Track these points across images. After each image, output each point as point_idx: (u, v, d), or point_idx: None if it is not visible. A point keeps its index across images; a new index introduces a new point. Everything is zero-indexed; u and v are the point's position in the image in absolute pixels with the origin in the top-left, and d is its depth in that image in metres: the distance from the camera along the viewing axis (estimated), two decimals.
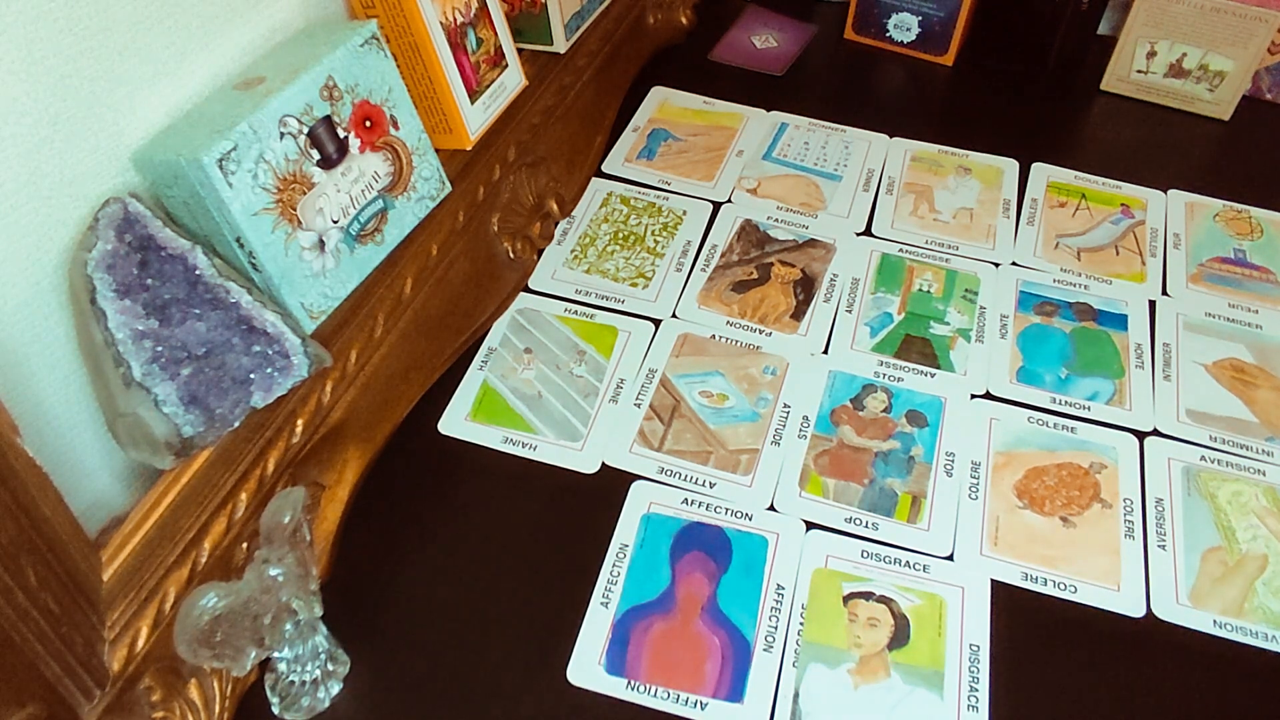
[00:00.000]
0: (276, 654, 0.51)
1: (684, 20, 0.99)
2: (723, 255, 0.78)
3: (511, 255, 0.74)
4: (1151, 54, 0.92)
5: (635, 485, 0.63)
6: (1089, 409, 0.68)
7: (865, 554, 0.60)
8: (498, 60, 0.73)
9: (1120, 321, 0.74)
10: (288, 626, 0.50)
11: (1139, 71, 0.93)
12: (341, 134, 0.58)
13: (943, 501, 0.63)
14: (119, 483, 0.57)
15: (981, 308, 0.75)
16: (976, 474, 0.64)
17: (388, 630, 0.57)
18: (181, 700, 0.49)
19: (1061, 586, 0.59)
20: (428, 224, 0.66)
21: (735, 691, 0.55)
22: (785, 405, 0.68)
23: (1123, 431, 0.67)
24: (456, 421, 0.67)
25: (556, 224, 0.80)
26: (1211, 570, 0.60)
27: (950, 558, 0.60)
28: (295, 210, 0.56)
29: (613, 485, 0.64)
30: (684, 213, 0.82)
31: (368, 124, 0.60)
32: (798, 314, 0.74)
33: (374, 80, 0.60)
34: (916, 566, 0.60)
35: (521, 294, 0.75)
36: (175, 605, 0.49)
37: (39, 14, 0.45)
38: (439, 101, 0.68)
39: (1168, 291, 0.77)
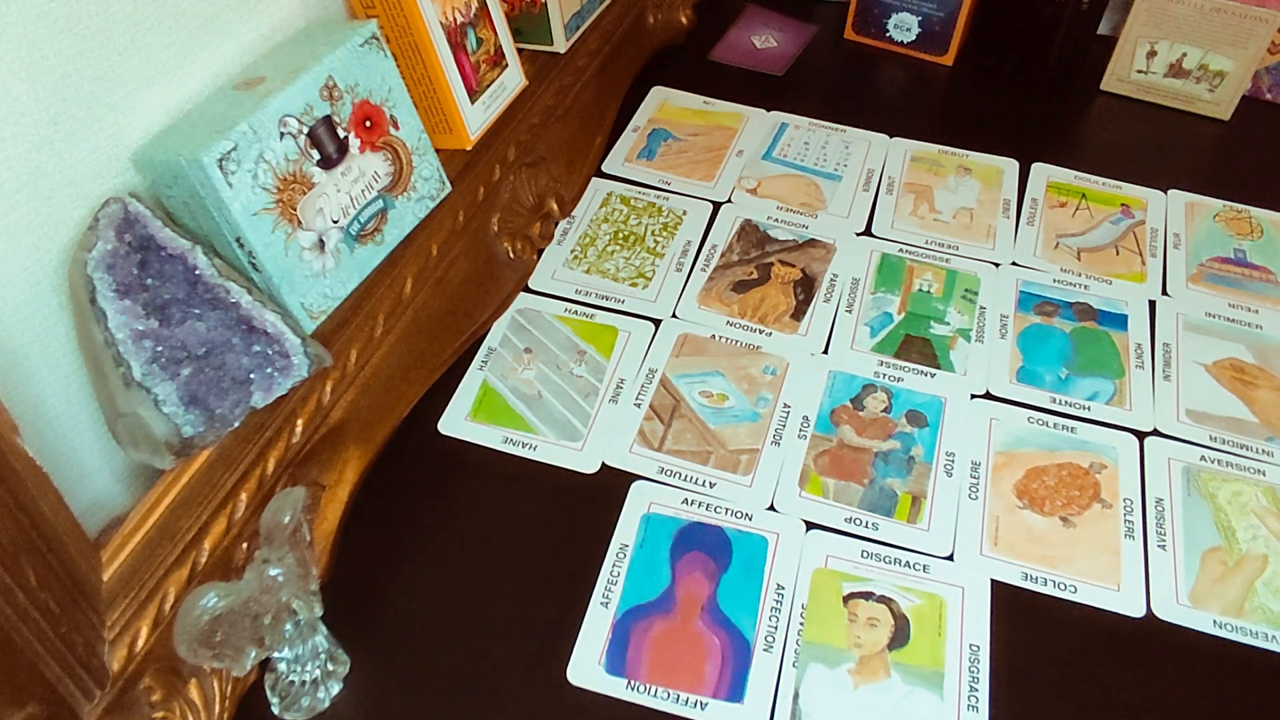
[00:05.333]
0: (276, 654, 0.51)
1: (684, 20, 0.99)
2: (723, 255, 0.78)
3: (511, 255, 0.74)
4: (1151, 54, 0.92)
5: (635, 485, 0.63)
6: (1089, 409, 0.68)
7: (865, 554, 0.60)
8: (498, 60, 0.73)
9: (1120, 321, 0.74)
10: (288, 626, 0.50)
11: (1139, 71, 0.93)
12: (341, 134, 0.58)
13: (943, 501, 0.63)
14: (119, 483, 0.57)
15: (981, 308, 0.75)
16: (976, 474, 0.64)
17: (388, 630, 0.57)
18: (181, 700, 0.49)
19: (1061, 586, 0.59)
20: (428, 224, 0.66)
21: (735, 691, 0.55)
22: (785, 405, 0.68)
23: (1123, 431, 0.67)
24: (456, 421, 0.67)
25: (556, 224, 0.80)
26: (1211, 570, 0.60)
27: (950, 558, 0.60)
28: (295, 210, 0.56)
29: (613, 485, 0.64)
30: (684, 213, 0.82)
31: (368, 124, 0.60)
32: (798, 314, 0.74)
33: (374, 80, 0.60)
34: (916, 566, 0.60)
35: (521, 294, 0.75)
36: (175, 605, 0.49)
37: (39, 14, 0.45)
38: (439, 101, 0.68)
39: (1168, 291, 0.77)
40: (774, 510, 0.62)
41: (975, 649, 0.56)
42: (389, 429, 0.63)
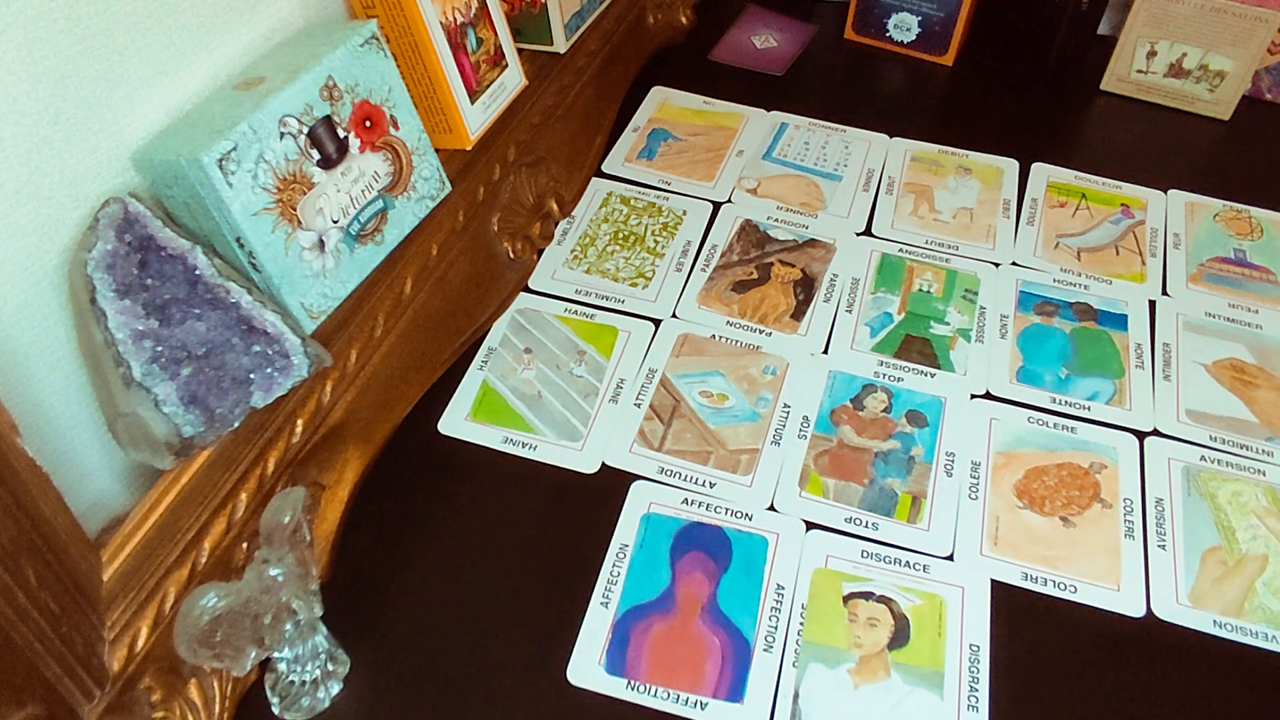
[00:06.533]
0: (276, 654, 0.51)
1: (684, 20, 0.99)
2: (723, 255, 0.78)
3: (511, 255, 0.74)
4: (1151, 54, 0.92)
5: (635, 485, 0.63)
6: (1089, 409, 0.68)
7: (865, 554, 0.60)
8: (498, 60, 0.73)
9: (1120, 321, 0.74)
10: (288, 626, 0.50)
11: (1139, 71, 0.93)
12: (341, 134, 0.58)
13: (943, 501, 0.63)
14: (119, 483, 0.57)
15: (981, 308, 0.75)
16: (976, 474, 0.64)
17: (388, 630, 0.57)
18: (181, 700, 0.49)
19: (1061, 586, 0.59)
20: (428, 224, 0.66)
21: (735, 691, 0.55)
22: (785, 405, 0.68)
23: (1123, 431, 0.67)
24: (456, 421, 0.67)
25: (556, 224, 0.80)
26: (1211, 570, 0.60)
27: (950, 558, 0.60)
28: (295, 210, 0.56)
29: (613, 485, 0.64)
30: (684, 213, 0.82)
31: (368, 124, 0.60)
32: (798, 314, 0.74)
33: (374, 80, 0.60)
34: (916, 566, 0.60)
35: (521, 294, 0.75)
36: (175, 605, 0.49)
37: (39, 14, 0.45)
38: (439, 101, 0.68)
39: (1168, 291, 0.77)
40: (774, 510, 0.62)
41: (975, 649, 0.56)
42: (389, 429, 0.63)
